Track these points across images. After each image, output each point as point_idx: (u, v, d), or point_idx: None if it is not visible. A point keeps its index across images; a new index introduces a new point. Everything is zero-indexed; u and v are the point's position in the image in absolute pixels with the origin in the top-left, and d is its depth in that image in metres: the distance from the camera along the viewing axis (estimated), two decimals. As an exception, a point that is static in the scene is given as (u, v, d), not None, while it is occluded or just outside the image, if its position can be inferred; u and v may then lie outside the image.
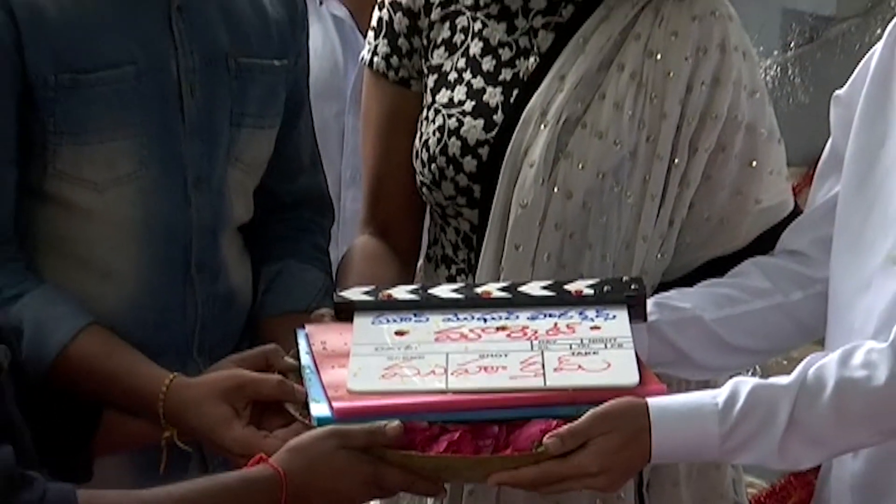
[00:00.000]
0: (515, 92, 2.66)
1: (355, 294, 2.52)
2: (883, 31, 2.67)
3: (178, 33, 2.59)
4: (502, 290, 2.51)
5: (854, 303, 2.48)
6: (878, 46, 2.59)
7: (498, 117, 2.65)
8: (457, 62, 2.71)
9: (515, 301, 2.49)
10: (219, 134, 2.66)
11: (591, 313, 2.46)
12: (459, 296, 2.51)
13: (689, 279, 2.66)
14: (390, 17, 2.77)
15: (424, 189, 2.73)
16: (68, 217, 2.57)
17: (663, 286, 2.64)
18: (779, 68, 3.27)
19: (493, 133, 2.64)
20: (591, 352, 2.37)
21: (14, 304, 2.45)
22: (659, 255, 2.67)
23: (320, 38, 3.06)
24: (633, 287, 2.49)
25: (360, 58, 2.94)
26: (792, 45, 3.32)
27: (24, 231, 2.55)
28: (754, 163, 2.69)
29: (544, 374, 2.32)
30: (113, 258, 2.60)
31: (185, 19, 2.60)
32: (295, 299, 2.72)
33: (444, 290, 2.55)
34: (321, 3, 3.30)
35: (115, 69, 2.53)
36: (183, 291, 2.65)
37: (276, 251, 2.81)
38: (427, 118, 2.72)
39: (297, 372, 2.42)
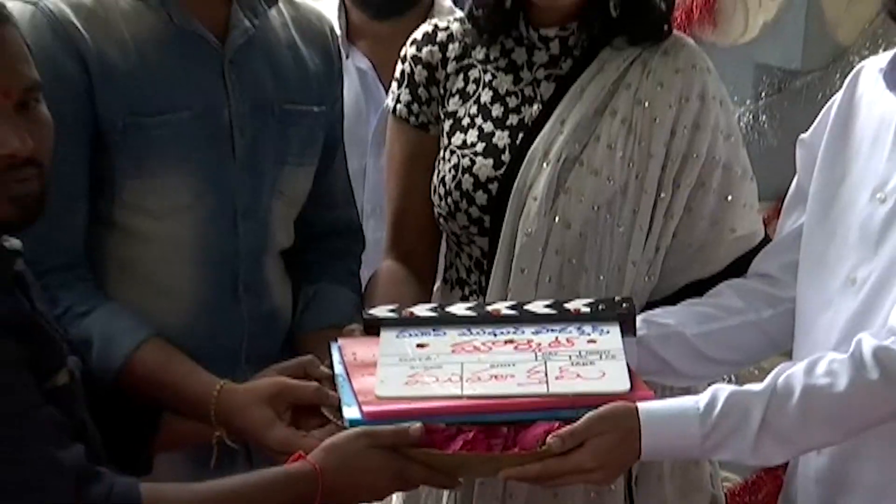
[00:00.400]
0: (521, 135, 2.65)
1: (382, 312, 2.52)
2: (841, 83, 2.67)
3: (230, 83, 2.59)
4: (510, 308, 2.51)
5: (817, 319, 2.48)
6: (837, 97, 2.59)
7: (506, 157, 2.65)
8: (469, 109, 2.71)
9: (521, 318, 2.49)
10: (264, 170, 2.66)
11: (587, 328, 2.46)
12: (472, 313, 2.51)
13: (672, 299, 2.66)
14: (412, 69, 2.77)
15: (441, 220, 2.73)
16: (132, 242, 2.57)
17: (650, 305, 2.64)
18: (751, 115, 3.26)
19: (502, 171, 2.65)
20: (587, 362, 2.37)
21: (84, 319, 2.45)
22: (646, 278, 2.67)
23: (345, 89, 3.04)
24: (624, 306, 2.49)
25: (383, 105, 2.94)
26: (762, 94, 3.32)
27: (93, 254, 2.55)
28: (730, 197, 2.69)
29: (547, 382, 2.32)
30: (171, 278, 2.60)
31: (236, 71, 2.60)
32: (329, 316, 2.71)
33: (459, 309, 2.54)
34: (347, 56, 3.29)
35: (174, 114, 2.53)
36: (232, 308, 2.65)
37: (313, 274, 2.81)
38: (444, 158, 2.72)
39: (331, 380, 2.42)
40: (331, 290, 2.79)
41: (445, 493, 2.63)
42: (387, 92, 2.94)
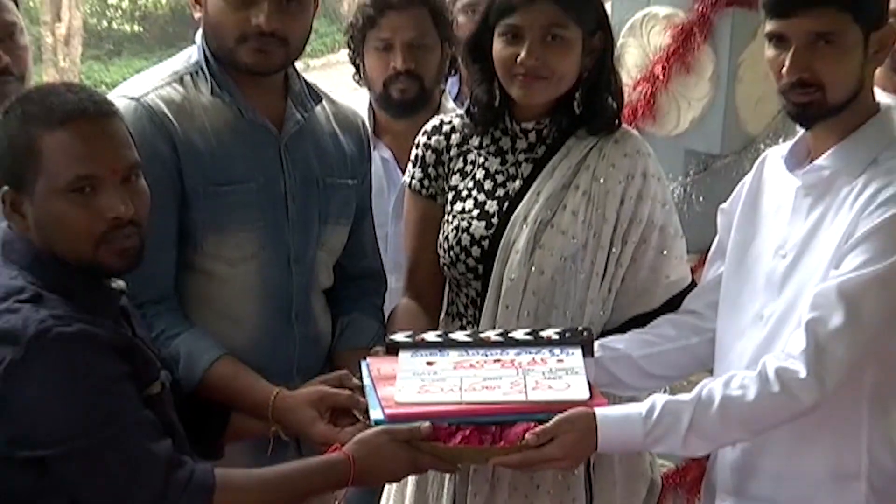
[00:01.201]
0: (506, 204, 2.65)
1: (400, 337, 2.53)
2: (752, 165, 2.70)
3: (285, 161, 2.60)
4: (497, 335, 2.52)
5: (733, 345, 2.50)
6: (749, 176, 2.62)
7: (495, 221, 2.64)
8: (467, 183, 2.71)
9: (506, 342, 2.49)
10: (310, 228, 2.66)
11: (556, 351, 2.46)
12: (469, 339, 2.52)
13: (622, 328, 2.65)
14: (423, 153, 2.77)
15: (445, 268, 2.72)
16: (210, 282, 2.58)
17: (605, 333, 2.63)
18: (682, 188, 3.26)
19: (492, 231, 2.64)
20: (556, 377, 2.39)
21: (173, 340, 2.46)
22: (602, 313, 2.66)
23: (375, 174, 3.04)
24: (584, 334, 2.50)
25: (400, 184, 2.93)
26: (690, 173, 3.31)
27: (180, 291, 2.56)
28: (665, 251, 2.69)
29: (526, 392, 2.35)
30: (240, 310, 2.60)
31: (290, 152, 2.61)
32: (359, 340, 2.71)
33: (459, 335, 2.55)
34: (374, 147, 3.28)
35: (242, 185, 2.55)
36: (286, 333, 2.65)
37: (347, 307, 2.80)
38: (447, 221, 2.71)
39: (361, 389, 2.44)
40: (361, 320, 2.78)
41: (447, 476, 2.61)
42: (403, 174, 2.94)
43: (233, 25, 2.48)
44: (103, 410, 2.01)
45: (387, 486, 2.86)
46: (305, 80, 2.72)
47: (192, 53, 2.62)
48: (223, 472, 2.13)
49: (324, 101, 2.75)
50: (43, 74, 17.05)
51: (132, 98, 2.49)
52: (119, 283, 2.21)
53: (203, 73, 2.58)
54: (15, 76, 2.66)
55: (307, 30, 2.59)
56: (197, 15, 2.58)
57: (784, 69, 2.30)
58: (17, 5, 2.75)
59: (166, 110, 2.49)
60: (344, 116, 2.80)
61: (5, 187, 2.09)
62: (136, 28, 20.99)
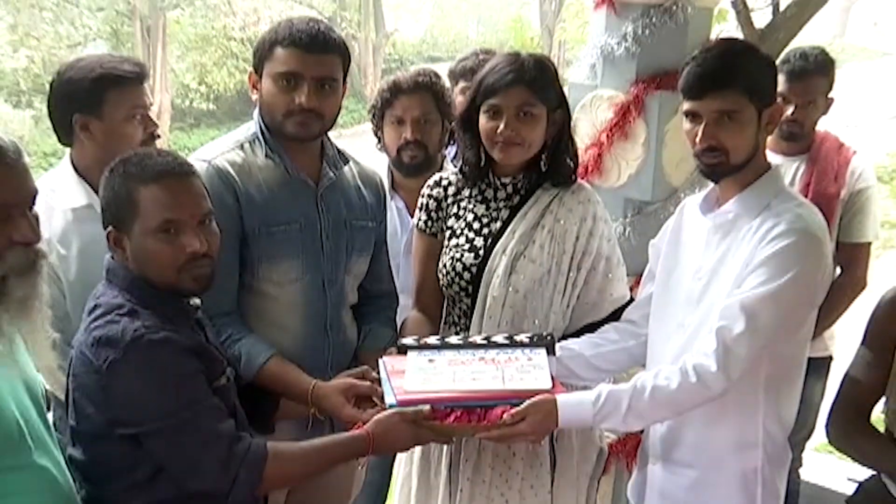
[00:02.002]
0: (489, 240, 2.64)
1: (408, 341, 2.52)
2: (674, 209, 2.69)
3: (321, 208, 2.61)
4: (482, 339, 2.51)
5: (661, 346, 2.50)
6: (672, 219, 2.63)
7: (481, 253, 2.64)
8: (460, 224, 2.70)
9: (489, 345, 2.49)
10: (340, 259, 2.66)
11: (527, 351, 2.46)
12: (460, 342, 2.51)
13: (576, 334, 2.64)
14: (427, 202, 2.76)
15: (444, 288, 2.72)
16: (264, 300, 2.57)
17: (564, 337, 2.61)
18: (622, 227, 3.26)
19: (478, 261, 2.63)
20: (526, 371, 2.39)
21: (237, 343, 2.47)
22: (562, 322, 2.65)
23: (388, 219, 3.03)
24: (548, 338, 2.49)
25: (411, 226, 2.93)
26: (628, 215, 3.32)
27: (242, 306, 2.56)
28: (609, 275, 2.68)
29: (504, 382, 2.34)
30: (287, 321, 2.60)
31: (324, 201, 2.62)
32: (377, 344, 2.70)
33: (453, 339, 2.54)
34: (392, 198, 3.31)
35: (288, 225, 2.55)
36: (323, 339, 2.65)
37: (368, 319, 2.79)
38: (445, 252, 2.70)
39: (378, 380, 2.43)
40: (378, 329, 2.77)
41: (444, 447, 2.61)
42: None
43: (281, 103, 2.50)
44: (182, 398, 2.02)
45: (398, 455, 2.87)
46: (336, 146, 2.73)
47: (250, 126, 2.63)
48: (273, 445, 2.13)
49: (350, 163, 2.75)
50: (141, 141, 17.04)
51: (205, 160, 2.50)
52: (195, 301, 2.22)
53: (259, 140, 2.58)
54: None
55: (338, 107, 2.60)
56: (255, 97, 2.59)
57: (697, 138, 2.32)
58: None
59: (231, 170, 2.50)
60: (366, 174, 2.80)
61: (110, 227, 2.11)
62: (210, 106, 21.03)
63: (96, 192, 2.68)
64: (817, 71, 3.50)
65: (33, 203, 1.87)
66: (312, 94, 2.48)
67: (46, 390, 2.13)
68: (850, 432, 2.41)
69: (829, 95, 3.57)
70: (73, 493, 2.00)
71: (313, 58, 2.47)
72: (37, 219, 1.87)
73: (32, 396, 1.96)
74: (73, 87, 2.62)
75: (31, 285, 1.85)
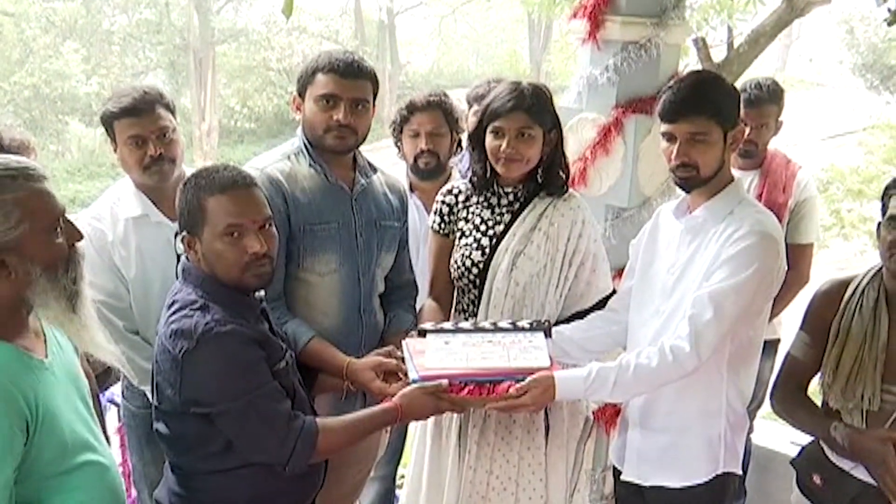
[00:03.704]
0: (494, 240, 2.62)
1: (427, 326, 2.51)
2: (649, 216, 2.68)
3: (355, 210, 2.58)
4: (490, 324, 2.49)
5: (639, 331, 2.48)
6: (649, 223, 2.60)
7: (487, 251, 2.62)
8: (469, 227, 2.68)
9: (495, 329, 2.47)
10: (372, 254, 2.63)
11: (527, 334, 2.45)
12: (471, 327, 2.49)
13: (568, 320, 2.61)
14: (441, 207, 2.74)
15: (455, 280, 2.70)
16: (307, 287, 2.55)
17: (558, 323, 2.58)
18: (605, 229, 3.24)
19: (485, 258, 2.61)
20: (528, 352, 2.39)
21: (283, 326, 2.44)
22: (556, 310, 2.62)
23: (409, 215, 3.00)
24: (545, 323, 2.48)
25: (427, 224, 2.91)
26: (609, 219, 3.30)
27: (287, 293, 2.53)
28: (596, 270, 2.66)
29: (509, 360, 2.33)
30: (327, 307, 2.57)
31: (357, 204, 2.59)
32: (400, 327, 2.68)
33: (465, 324, 2.51)
34: (410, 199, 3.27)
35: (328, 224, 2.53)
36: (357, 322, 2.62)
37: (393, 307, 2.76)
38: (456, 250, 2.68)
39: (402, 359, 2.41)
40: (401, 315, 2.74)
41: (454, 415, 2.59)
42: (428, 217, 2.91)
43: (322, 121, 2.49)
44: (246, 383, 2.01)
45: (413, 423, 2.86)
46: (366, 158, 2.71)
47: (295, 141, 2.61)
48: (322, 420, 2.13)
49: (378, 172, 2.73)
50: (194, 156, 17.11)
51: (258, 169, 2.48)
52: (260, 294, 2.21)
53: (303, 153, 2.57)
54: (167, 160, 2.69)
55: (369, 124, 2.58)
56: (298, 117, 2.59)
57: (672, 156, 2.31)
58: (173, 114, 2.76)
59: (280, 177, 2.48)
60: (391, 182, 2.78)
61: (184, 232, 2.10)
62: (251, 125, 21.06)
63: (154, 203, 2.71)
64: (770, 99, 3.49)
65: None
66: (349, 112, 2.48)
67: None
68: (790, 403, 2.43)
69: (780, 119, 3.56)
70: (118, 477, 1.96)
71: (349, 82, 2.47)
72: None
73: (81, 396, 1.90)
74: (101, 119, 2.74)
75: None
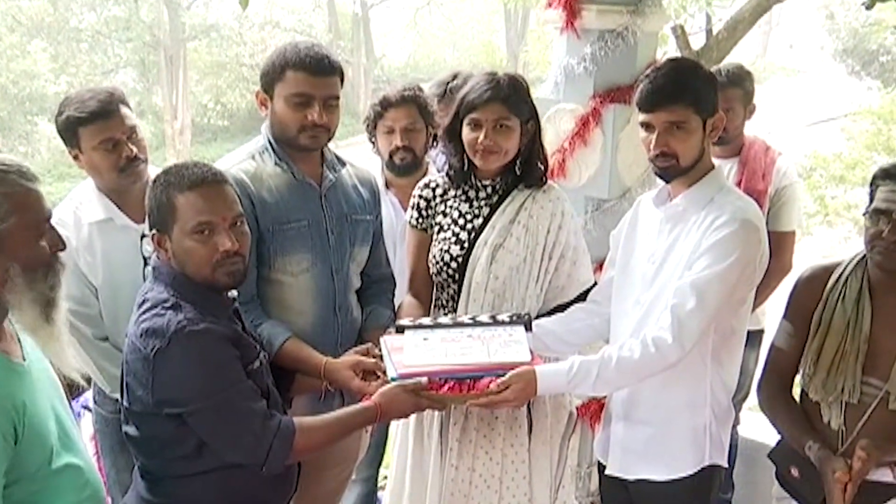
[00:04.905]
0: (472, 234, 2.62)
1: (406, 322, 2.48)
2: (629, 206, 2.69)
3: (324, 206, 2.56)
4: (469, 319, 2.47)
5: (621, 322, 2.49)
6: (629, 213, 2.60)
7: (465, 245, 2.61)
8: (447, 221, 2.67)
9: (475, 324, 2.45)
10: (345, 250, 2.61)
11: (507, 328, 2.43)
12: (450, 322, 2.47)
13: (549, 313, 2.61)
14: (418, 202, 2.73)
15: (433, 276, 2.69)
16: (280, 288, 2.53)
17: (539, 316, 2.58)
18: (585, 221, 3.25)
19: (463, 252, 2.61)
20: (508, 346, 2.37)
21: (258, 327, 2.41)
22: (537, 303, 2.62)
23: (385, 212, 3.00)
24: (525, 317, 2.47)
25: (404, 220, 2.90)
26: (589, 211, 3.31)
27: (260, 294, 2.51)
28: (576, 262, 2.66)
29: (489, 356, 2.32)
30: (301, 306, 2.55)
31: (327, 200, 2.57)
32: (378, 323, 2.66)
33: (444, 320, 2.50)
34: (386, 195, 3.28)
35: (297, 223, 2.51)
36: (333, 320, 2.60)
37: (370, 301, 2.74)
38: (434, 245, 2.68)
39: (381, 357, 2.39)
40: (378, 310, 2.73)
41: (436, 412, 2.58)
42: (405, 213, 2.90)
43: (295, 121, 2.45)
44: (220, 382, 1.99)
45: (393, 422, 2.86)
46: (333, 152, 2.69)
47: (259, 139, 2.58)
48: (299, 419, 2.12)
49: (348, 165, 2.72)
50: (166, 154, 17.02)
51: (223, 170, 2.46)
52: (232, 293, 2.20)
53: (268, 151, 2.54)
54: (141, 160, 2.68)
55: (338, 121, 2.56)
56: (263, 113, 2.55)
57: (651, 146, 2.32)
58: (131, 110, 2.73)
59: (244, 178, 2.45)
60: (361, 174, 2.76)
61: (154, 230, 2.09)
62: (225, 123, 20.96)
63: (118, 206, 2.69)
64: (731, 83, 3.47)
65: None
66: (322, 111, 2.45)
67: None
68: (774, 405, 2.46)
69: (752, 102, 3.57)
70: (98, 480, 1.97)
71: (321, 80, 2.44)
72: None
73: (59, 397, 1.92)
74: (58, 126, 2.67)
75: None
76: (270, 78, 2.48)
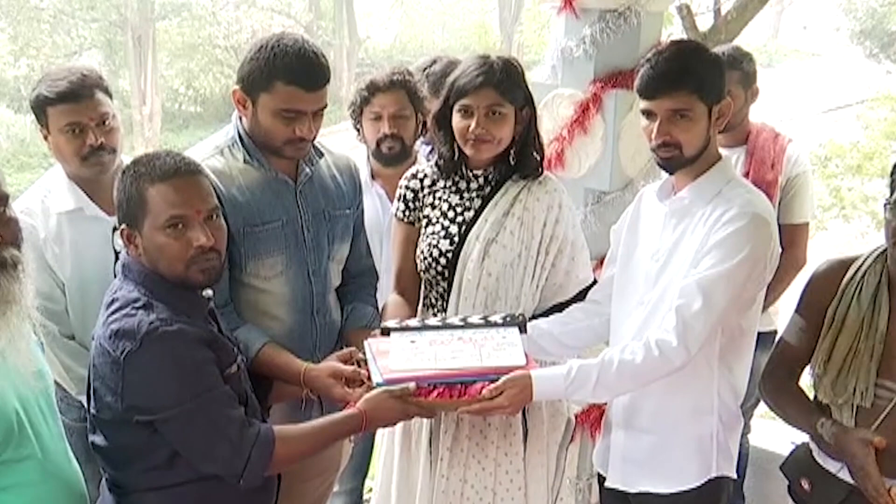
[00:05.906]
0: (463, 227, 2.62)
1: (391, 323, 2.49)
2: (631, 199, 2.70)
3: (300, 203, 2.56)
4: (460, 320, 2.48)
5: (622, 324, 2.49)
6: (631, 206, 2.61)
7: (456, 239, 2.61)
8: (436, 213, 2.68)
9: (465, 325, 2.46)
10: (322, 248, 2.61)
11: (501, 330, 2.44)
12: (439, 323, 2.48)
13: (546, 313, 2.62)
14: (405, 193, 2.73)
15: (421, 272, 2.69)
16: (254, 292, 2.53)
17: (534, 317, 2.59)
18: (584, 214, 3.25)
19: (454, 247, 2.61)
20: (501, 349, 2.37)
21: (233, 332, 2.40)
22: (532, 302, 2.63)
23: (371, 205, 3.01)
24: (520, 317, 2.47)
25: (391, 212, 2.90)
26: (589, 203, 3.31)
27: (234, 298, 2.51)
28: (574, 258, 2.67)
29: (481, 360, 2.33)
30: (276, 310, 2.55)
31: (303, 197, 2.56)
32: (360, 322, 2.68)
33: (433, 321, 2.51)
34: (371, 187, 3.29)
35: (271, 223, 2.50)
36: (310, 324, 2.61)
37: (350, 298, 2.75)
38: (423, 239, 2.68)
39: (365, 361, 2.40)
40: (360, 307, 2.74)
41: (425, 420, 2.58)
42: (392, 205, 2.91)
43: (283, 134, 2.43)
44: (194, 387, 1.99)
45: (379, 430, 2.86)
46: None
47: (228, 130, 2.56)
48: (279, 428, 2.12)
49: (325, 155, 2.71)
50: (134, 143, 16.96)
51: None
52: (207, 293, 2.19)
53: (237, 145, 2.52)
54: (107, 150, 2.67)
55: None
56: (240, 113, 2.51)
57: (653, 135, 2.32)
58: (110, 97, 2.73)
59: (212, 175, 2.39)
60: (340, 163, 2.74)
61: (123, 225, 2.08)
62: (197, 109, 20.92)
63: (89, 196, 2.68)
64: (728, 66, 3.46)
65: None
66: (311, 125, 2.45)
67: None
68: (779, 393, 2.43)
69: (755, 85, 3.58)
70: (79, 482, 1.97)
71: (313, 95, 2.42)
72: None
73: (40, 388, 1.93)
74: (31, 102, 2.69)
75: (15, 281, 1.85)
76: (255, 84, 2.42)
